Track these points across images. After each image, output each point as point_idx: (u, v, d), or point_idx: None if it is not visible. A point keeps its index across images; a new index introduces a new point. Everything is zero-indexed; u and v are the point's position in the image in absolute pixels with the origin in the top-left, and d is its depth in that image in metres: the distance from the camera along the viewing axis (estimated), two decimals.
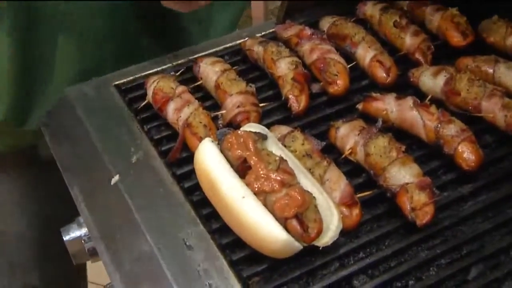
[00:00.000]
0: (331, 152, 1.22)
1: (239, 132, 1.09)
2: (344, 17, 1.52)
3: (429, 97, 1.29)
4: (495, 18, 1.43)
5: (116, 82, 1.46)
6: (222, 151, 1.10)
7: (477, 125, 1.24)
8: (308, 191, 1.01)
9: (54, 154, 1.38)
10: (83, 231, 1.36)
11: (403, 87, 1.37)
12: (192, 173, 1.18)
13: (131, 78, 1.47)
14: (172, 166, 1.24)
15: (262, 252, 1.00)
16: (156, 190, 1.20)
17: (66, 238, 1.38)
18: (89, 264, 1.40)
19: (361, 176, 1.17)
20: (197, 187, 1.15)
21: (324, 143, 1.19)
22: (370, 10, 1.53)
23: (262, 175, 1.01)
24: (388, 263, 1.04)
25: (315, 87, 1.37)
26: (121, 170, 1.24)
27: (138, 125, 1.35)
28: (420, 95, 1.31)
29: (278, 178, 1.00)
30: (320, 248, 1.02)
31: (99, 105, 1.42)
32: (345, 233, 1.06)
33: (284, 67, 1.35)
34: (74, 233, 1.38)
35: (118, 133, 1.34)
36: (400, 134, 1.23)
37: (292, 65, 1.34)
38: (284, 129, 1.19)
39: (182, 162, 1.24)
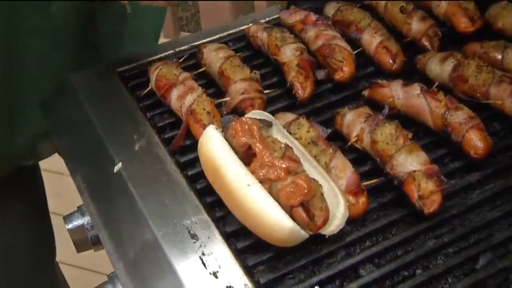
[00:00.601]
0: (337, 139, 1.20)
1: (243, 119, 1.07)
2: (349, 3, 1.49)
3: (436, 84, 1.27)
4: (504, 2, 1.40)
5: (119, 69, 1.45)
6: (226, 139, 1.08)
7: (485, 112, 1.22)
8: (314, 179, 0.99)
9: (56, 142, 1.36)
10: (86, 219, 1.35)
11: (410, 73, 1.35)
12: (196, 161, 1.16)
13: (134, 64, 1.45)
14: (175, 154, 1.22)
15: (267, 240, 0.99)
16: (160, 178, 1.18)
17: (68, 226, 1.37)
18: (92, 252, 1.39)
19: (367, 164, 1.16)
20: (201, 175, 1.14)
21: (330, 130, 1.17)
22: None
23: (267, 163, 0.99)
24: (395, 252, 1.03)
25: (320, 74, 1.35)
26: (124, 158, 1.22)
27: (141, 112, 1.33)
28: (427, 81, 1.29)
29: (284, 165, 0.98)
30: (327, 237, 1.00)
31: (102, 91, 1.41)
32: (352, 222, 1.04)
33: (288, 54, 1.33)
34: (76, 222, 1.37)
35: (121, 120, 1.32)
36: (407, 121, 1.21)
37: (297, 52, 1.32)
38: (289, 116, 1.17)
39: (185, 149, 1.22)
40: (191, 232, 1.07)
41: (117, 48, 1.59)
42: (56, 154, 1.60)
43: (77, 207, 1.37)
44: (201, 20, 3.67)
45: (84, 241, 1.37)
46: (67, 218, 1.38)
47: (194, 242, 1.06)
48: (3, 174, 1.51)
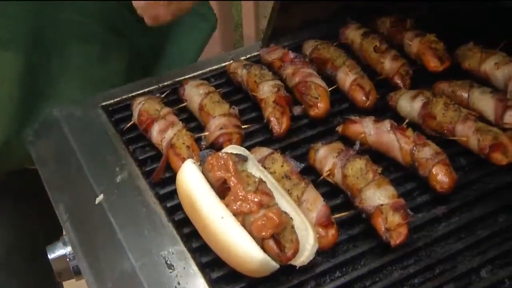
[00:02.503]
0: (311, 173, 1.25)
1: (220, 154, 1.12)
2: (326, 41, 1.57)
3: (407, 120, 1.33)
4: (470, 44, 1.48)
5: (103, 103, 1.50)
6: (203, 172, 1.13)
7: (452, 148, 1.28)
8: (285, 212, 1.04)
9: (40, 173, 1.40)
10: (68, 249, 1.38)
11: (383, 110, 1.41)
12: (174, 193, 1.21)
13: (118, 99, 1.50)
14: (155, 186, 1.27)
15: (240, 271, 1.03)
16: (139, 209, 1.23)
17: (51, 256, 1.40)
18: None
19: (339, 197, 1.21)
20: (179, 207, 1.18)
21: (303, 165, 1.22)
22: (352, 35, 1.57)
23: (240, 196, 1.04)
24: (363, 282, 1.07)
25: (297, 110, 1.41)
26: (105, 190, 1.26)
27: (124, 145, 1.38)
28: (398, 118, 1.36)
29: (256, 199, 1.03)
30: (297, 267, 1.05)
31: (86, 125, 1.45)
32: (322, 253, 1.09)
33: (266, 90, 1.38)
34: (59, 251, 1.40)
35: (104, 153, 1.37)
36: (378, 156, 1.27)
37: (274, 88, 1.38)
38: (264, 151, 1.23)
39: (165, 182, 1.27)
40: (168, 262, 1.11)
41: (159, 63, 1.66)
42: None
43: (60, 238, 1.41)
44: None
45: (66, 271, 1.39)
46: (49, 248, 1.41)
47: (170, 272, 1.10)
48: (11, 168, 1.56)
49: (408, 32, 1.54)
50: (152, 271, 1.11)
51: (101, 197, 1.24)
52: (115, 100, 1.50)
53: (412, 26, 1.57)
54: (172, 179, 1.24)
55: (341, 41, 1.60)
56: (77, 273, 1.36)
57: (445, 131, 1.29)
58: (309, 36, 1.62)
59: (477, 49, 1.46)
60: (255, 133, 1.38)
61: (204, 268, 1.09)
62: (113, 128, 1.43)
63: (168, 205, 1.22)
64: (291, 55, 1.49)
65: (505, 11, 1.31)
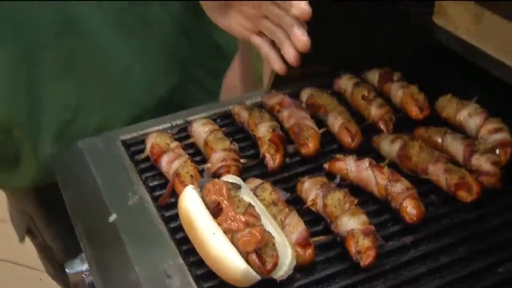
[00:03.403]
0: (297, 203, 1.42)
1: (216, 180, 1.31)
2: (321, 90, 1.76)
3: (387, 160, 1.50)
4: (449, 96, 1.66)
5: (122, 138, 1.71)
6: (202, 197, 1.31)
7: (425, 186, 1.45)
8: (268, 231, 1.21)
9: (63, 195, 1.60)
10: (85, 266, 1.57)
11: (367, 151, 1.58)
12: (178, 216, 1.39)
13: (135, 134, 1.71)
14: (162, 209, 1.45)
15: (227, 281, 1.20)
16: (147, 229, 1.41)
17: (69, 272, 1.59)
18: None
19: (320, 225, 1.37)
20: (180, 227, 1.36)
21: (289, 194, 1.40)
22: (344, 84, 1.77)
23: (231, 217, 1.22)
24: None
25: (290, 148, 1.60)
26: (118, 211, 1.45)
27: (137, 174, 1.57)
28: (380, 158, 1.53)
29: (244, 219, 1.21)
30: (277, 281, 1.21)
31: (106, 155, 1.65)
32: (301, 270, 1.25)
33: (263, 130, 1.58)
34: (77, 268, 1.59)
35: (120, 180, 1.56)
36: (358, 190, 1.44)
37: (270, 128, 1.57)
38: (257, 181, 1.41)
39: (170, 206, 1.45)
40: (168, 273, 1.29)
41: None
42: None
43: (78, 255, 1.59)
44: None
45: (83, 286, 1.58)
46: (68, 264, 1.60)
47: (169, 282, 1.27)
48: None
49: (395, 83, 1.73)
50: (154, 281, 1.28)
51: (114, 216, 1.43)
52: (132, 135, 1.70)
53: (399, 78, 1.76)
54: (177, 203, 1.42)
55: (335, 89, 1.79)
56: (91, 286, 1.54)
57: (419, 171, 1.46)
58: (307, 85, 1.81)
59: (454, 100, 1.64)
60: (252, 167, 1.57)
61: (199, 280, 1.26)
62: (129, 159, 1.63)
63: (172, 225, 1.40)
64: (289, 100, 1.69)
65: (481, 72, 1.49)
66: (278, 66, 1.47)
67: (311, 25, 1.39)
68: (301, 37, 1.33)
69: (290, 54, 1.38)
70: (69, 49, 1.56)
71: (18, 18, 1.47)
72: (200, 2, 1.50)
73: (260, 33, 1.47)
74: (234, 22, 1.48)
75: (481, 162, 1.43)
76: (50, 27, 1.51)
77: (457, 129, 1.59)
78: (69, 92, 1.62)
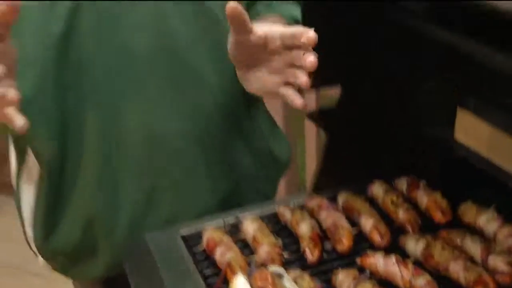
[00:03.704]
0: None
1: (263, 269, 1.55)
2: (357, 194, 2.01)
3: (412, 258, 1.71)
4: (469, 203, 1.88)
5: (182, 233, 1.98)
6: (250, 284, 1.55)
7: (445, 282, 1.64)
8: None
9: (130, 282, 1.86)
10: None
11: (394, 249, 1.79)
12: None
13: (193, 230, 1.98)
14: None
15: None
16: None
17: None
18: None
19: None
20: None
21: (325, 284, 1.62)
22: (376, 191, 2.02)
23: None
24: None
25: (327, 245, 1.83)
26: None
27: (194, 264, 1.82)
28: (406, 256, 1.74)
29: None
30: None
31: (168, 248, 1.91)
32: None
33: (304, 228, 1.82)
34: None
35: (178, 269, 1.82)
36: (386, 283, 1.64)
37: (310, 227, 1.82)
38: (297, 272, 1.64)
39: None
40: None
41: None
42: None
43: None
44: None
45: None
46: None
47: None
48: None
49: (420, 190, 1.97)
50: None
51: None
52: (191, 230, 1.97)
53: (424, 186, 2.00)
54: None
55: (368, 195, 2.04)
56: None
57: (441, 268, 1.66)
58: (344, 190, 2.07)
59: (474, 207, 1.86)
60: (293, 261, 1.79)
61: None
62: (187, 251, 1.89)
63: None
64: (327, 203, 1.95)
65: (500, 183, 1.72)
66: (299, 103, 1.45)
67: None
68: (309, 58, 1.33)
69: (302, 79, 1.40)
70: (148, 153, 1.86)
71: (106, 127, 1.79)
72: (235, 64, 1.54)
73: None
74: (265, 80, 1.48)
75: (497, 262, 1.62)
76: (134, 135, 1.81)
77: (478, 232, 1.79)
78: (143, 190, 1.92)
